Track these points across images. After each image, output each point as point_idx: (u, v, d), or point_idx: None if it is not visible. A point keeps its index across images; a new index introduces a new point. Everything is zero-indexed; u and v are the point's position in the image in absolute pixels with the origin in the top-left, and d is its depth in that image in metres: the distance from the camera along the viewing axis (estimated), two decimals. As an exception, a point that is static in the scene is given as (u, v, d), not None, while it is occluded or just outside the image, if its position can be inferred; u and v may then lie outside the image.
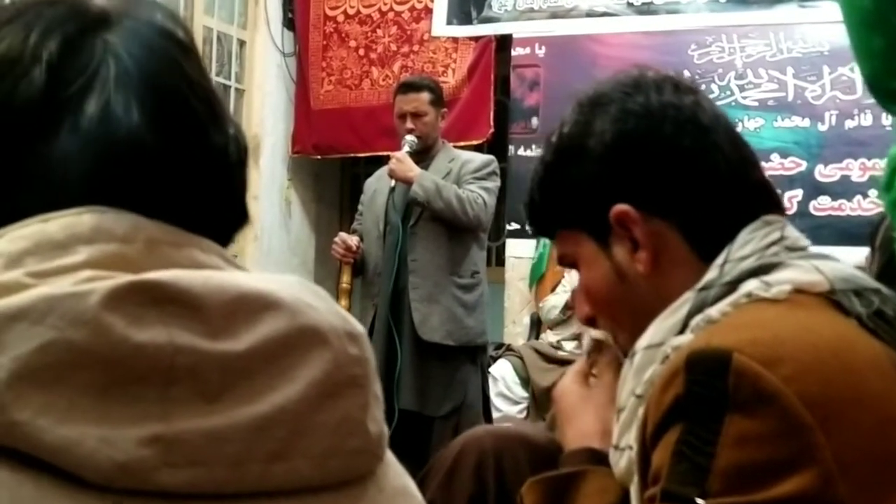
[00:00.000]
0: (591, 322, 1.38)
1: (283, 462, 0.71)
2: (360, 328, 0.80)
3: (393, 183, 4.42)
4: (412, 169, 4.35)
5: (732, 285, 1.17)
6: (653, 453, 1.08)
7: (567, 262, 1.38)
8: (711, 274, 1.20)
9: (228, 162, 0.85)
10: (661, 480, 1.05)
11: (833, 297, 1.15)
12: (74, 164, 0.77)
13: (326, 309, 0.78)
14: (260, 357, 0.72)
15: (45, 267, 0.71)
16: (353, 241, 4.50)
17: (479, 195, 4.38)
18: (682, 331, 1.18)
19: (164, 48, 0.83)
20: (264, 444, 0.70)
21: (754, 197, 1.27)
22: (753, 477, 1.00)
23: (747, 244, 1.21)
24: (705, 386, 1.03)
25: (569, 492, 1.32)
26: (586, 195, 1.29)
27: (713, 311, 1.15)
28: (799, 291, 1.14)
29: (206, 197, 0.83)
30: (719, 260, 1.21)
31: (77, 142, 0.77)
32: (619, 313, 1.32)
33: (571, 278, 5.96)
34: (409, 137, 4.46)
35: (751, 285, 1.15)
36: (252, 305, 0.73)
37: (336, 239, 4.57)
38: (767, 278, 1.16)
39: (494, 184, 4.50)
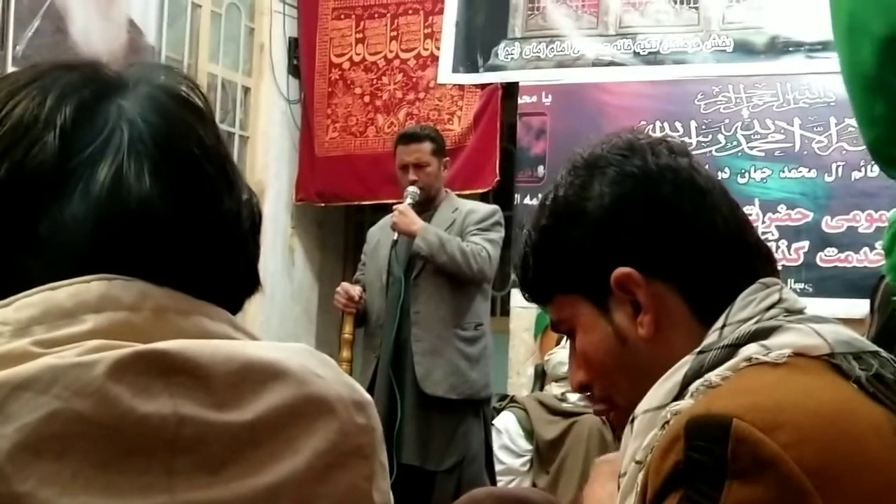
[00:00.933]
0: (584, 389, 1.37)
1: None
2: (367, 397, 0.81)
3: (396, 236, 4.41)
4: (415, 222, 4.35)
5: (732, 349, 1.16)
6: None
7: (563, 328, 1.37)
8: (710, 338, 1.20)
9: (241, 228, 0.85)
10: None
11: (832, 361, 1.14)
12: (84, 229, 0.77)
13: (333, 378, 0.78)
14: (266, 427, 0.72)
15: (52, 336, 0.71)
16: (355, 290, 4.50)
17: (484, 247, 4.37)
18: (680, 394, 1.17)
19: (178, 114, 0.84)
20: None
21: (752, 258, 1.27)
22: None
23: (746, 307, 1.21)
24: (705, 452, 1.02)
25: None
26: (586, 259, 1.28)
27: (712, 376, 1.14)
28: (798, 355, 1.13)
29: (217, 264, 0.83)
30: (718, 324, 1.21)
31: (88, 208, 0.77)
32: (617, 378, 1.31)
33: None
34: (412, 189, 4.45)
35: (750, 349, 1.14)
36: (259, 375, 0.73)
37: (338, 288, 4.58)
38: (767, 342, 1.15)
39: (499, 234, 4.49)
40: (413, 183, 4.48)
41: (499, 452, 5.45)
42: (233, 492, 0.69)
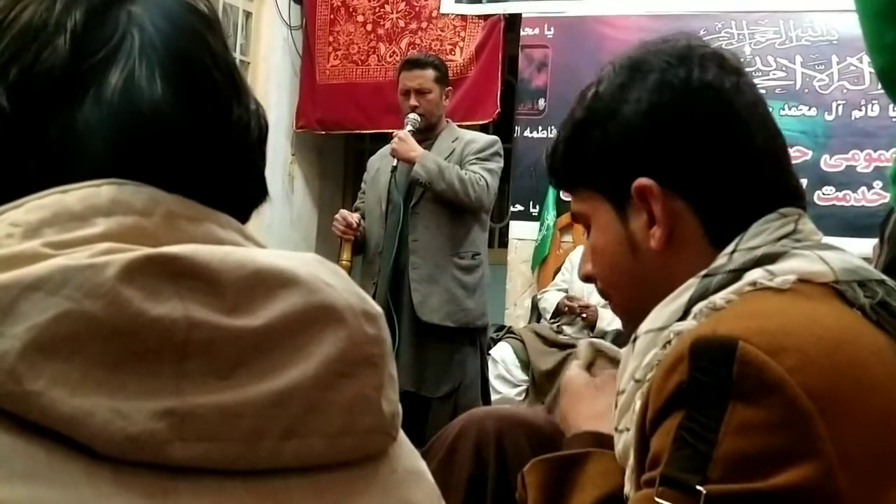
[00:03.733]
0: (589, 280, 1.38)
1: (296, 439, 0.71)
2: (377, 308, 0.80)
3: (395, 162, 4.41)
4: (414, 149, 4.34)
5: (737, 274, 1.17)
6: (652, 438, 1.08)
7: (581, 220, 1.37)
8: (719, 262, 1.20)
9: (250, 137, 0.85)
10: (660, 465, 1.05)
11: (837, 288, 1.14)
12: (96, 134, 0.76)
13: (344, 287, 0.78)
14: (276, 334, 0.72)
15: (63, 238, 0.70)
16: (353, 217, 4.49)
17: (482, 176, 4.36)
18: (683, 316, 1.18)
19: (187, 20, 0.83)
20: (278, 421, 0.70)
21: (777, 189, 1.26)
22: (755, 465, 0.99)
23: (758, 235, 1.21)
24: (709, 373, 1.02)
25: (571, 473, 1.32)
26: (611, 161, 1.28)
27: (717, 299, 1.14)
28: (803, 281, 1.14)
29: (227, 172, 0.83)
30: (729, 248, 1.21)
31: (100, 112, 0.77)
32: (621, 280, 1.32)
33: (572, 262, 5.94)
34: (412, 116, 4.44)
35: (755, 274, 1.15)
36: (269, 282, 0.73)
37: (337, 216, 4.57)
38: (772, 268, 1.15)
39: (497, 164, 4.48)
40: (414, 109, 4.47)
41: (495, 382, 5.49)
42: (242, 396, 0.69)
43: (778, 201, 1.24)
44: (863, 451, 1.01)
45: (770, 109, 1.29)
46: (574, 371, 1.47)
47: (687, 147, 1.24)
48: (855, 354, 1.06)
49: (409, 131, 4.42)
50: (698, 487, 1.00)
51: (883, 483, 1.02)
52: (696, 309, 1.16)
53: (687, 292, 1.19)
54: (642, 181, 1.24)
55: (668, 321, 1.19)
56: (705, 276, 1.19)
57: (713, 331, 1.05)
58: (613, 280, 1.34)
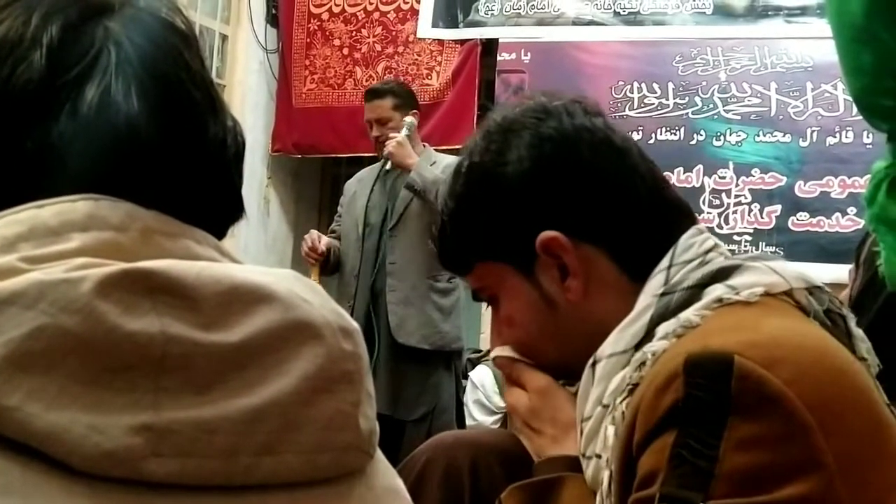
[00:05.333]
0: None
1: (272, 455, 0.71)
2: (355, 324, 0.80)
3: (388, 165, 4.40)
4: (411, 156, 4.33)
5: (696, 290, 1.17)
6: (641, 458, 1.07)
7: (484, 295, 1.36)
8: (659, 279, 1.20)
9: (226, 154, 0.85)
10: (654, 484, 1.03)
11: (793, 297, 1.16)
12: (73, 149, 0.76)
13: (321, 304, 0.78)
14: (253, 349, 0.72)
15: (39, 252, 0.70)
16: (321, 243, 4.49)
17: None
18: (648, 336, 1.17)
19: (164, 37, 0.83)
20: (254, 437, 0.70)
21: (674, 213, 1.28)
22: (759, 480, 0.99)
23: (689, 249, 1.22)
24: (707, 389, 1.02)
25: (549, 498, 1.30)
26: (508, 226, 1.27)
27: (690, 315, 1.14)
28: (766, 294, 1.15)
29: (203, 188, 0.83)
30: (663, 264, 1.21)
31: (76, 128, 0.76)
32: (546, 341, 1.31)
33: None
34: (409, 119, 4.45)
35: (717, 290, 1.15)
36: (246, 298, 0.73)
37: (306, 236, 4.56)
38: (731, 282, 1.16)
39: None
40: (377, 139, 4.48)
41: (473, 407, 5.47)
42: (219, 411, 0.69)
43: (679, 223, 1.26)
44: (856, 460, 1.01)
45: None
46: (514, 401, 1.40)
47: (580, 192, 1.24)
48: (839, 364, 1.07)
49: (406, 135, 4.41)
50: None
51: (882, 490, 1.02)
52: (664, 328, 1.15)
53: (646, 313, 1.18)
54: (547, 234, 1.23)
55: (631, 343, 1.18)
56: (662, 294, 1.19)
57: (705, 346, 1.05)
58: (537, 344, 1.32)
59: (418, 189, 4.29)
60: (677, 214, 1.28)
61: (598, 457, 1.19)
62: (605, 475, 1.15)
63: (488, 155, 1.28)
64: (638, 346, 1.18)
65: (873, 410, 1.06)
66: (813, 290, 1.18)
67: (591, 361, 1.23)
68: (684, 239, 1.23)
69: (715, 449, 1.00)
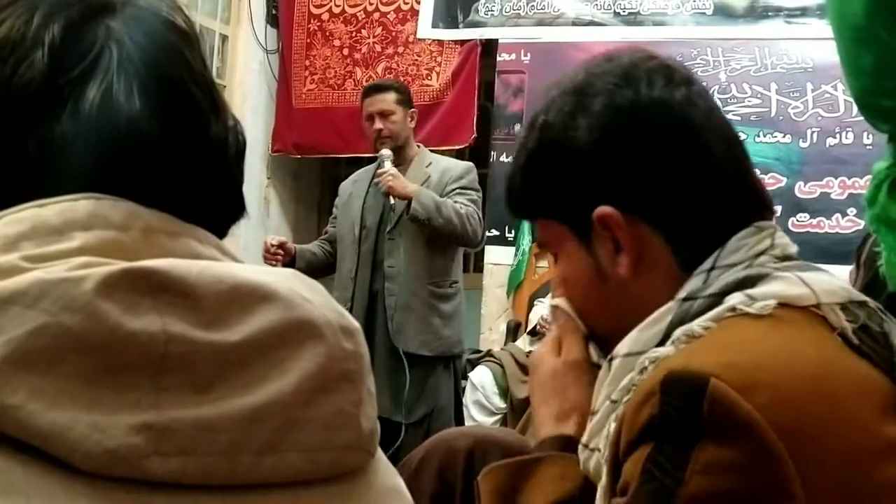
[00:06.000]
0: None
1: (274, 454, 0.71)
2: (355, 323, 0.80)
3: (393, 200, 4.35)
4: (408, 185, 4.31)
5: (717, 298, 1.14)
6: (624, 464, 1.07)
7: (546, 248, 1.35)
8: (696, 282, 1.18)
9: (228, 153, 0.85)
10: (627, 495, 1.04)
11: (818, 312, 1.12)
12: (75, 149, 0.76)
13: (322, 303, 0.78)
14: (254, 348, 0.72)
15: (40, 251, 0.70)
16: (272, 241, 4.49)
17: (474, 210, 4.38)
18: (663, 341, 1.15)
19: (166, 36, 0.83)
20: (256, 436, 0.70)
21: (744, 202, 1.23)
22: None
23: (737, 251, 1.18)
24: (680, 410, 1.01)
25: (524, 478, 1.30)
26: (569, 193, 1.25)
27: (695, 326, 1.12)
28: (784, 305, 1.11)
29: (205, 187, 0.83)
30: (706, 265, 1.18)
31: (78, 127, 0.77)
32: (594, 309, 1.30)
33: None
34: (386, 152, 4.41)
35: (735, 299, 1.12)
36: (247, 297, 0.73)
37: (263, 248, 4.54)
38: (752, 292, 1.13)
39: (478, 194, 4.50)
40: (379, 132, 4.46)
41: (472, 407, 5.47)
42: (220, 411, 0.69)
43: (748, 213, 1.22)
44: (835, 490, 1.00)
45: (745, 136, 1.27)
46: (540, 353, 1.41)
47: (644, 169, 1.20)
48: (831, 387, 1.05)
49: (390, 167, 4.37)
50: None
51: None
52: (675, 335, 1.14)
53: (667, 317, 1.17)
54: (603, 210, 1.21)
55: (646, 346, 1.17)
56: (685, 299, 1.16)
57: (685, 365, 1.04)
58: (586, 309, 1.32)
59: (422, 219, 4.26)
60: (748, 203, 1.23)
61: (601, 451, 1.18)
62: (604, 471, 1.14)
63: (560, 116, 1.25)
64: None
65: (869, 437, 1.04)
66: (849, 304, 1.14)
67: (609, 356, 1.22)
68: (735, 239, 1.18)
69: (682, 471, 0.99)
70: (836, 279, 1.18)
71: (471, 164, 4.70)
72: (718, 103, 1.27)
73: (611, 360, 1.21)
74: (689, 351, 1.09)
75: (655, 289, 1.20)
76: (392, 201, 4.37)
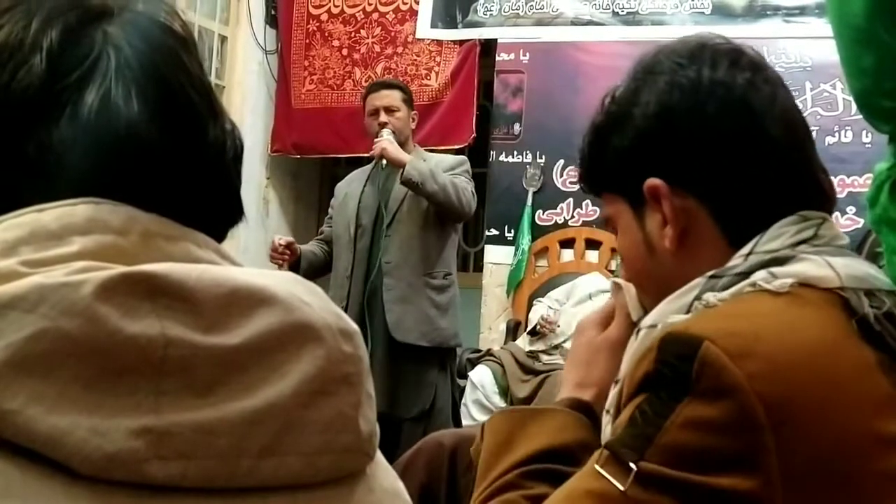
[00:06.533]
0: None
1: (273, 457, 0.71)
2: (354, 326, 0.80)
3: (384, 163, 4.40)
4: (403, 152, 4.37)
5: (743, 276, 1.16)
6: (622, 412, 1.11)
7: (609, 225, 1.38)
8: (732, 263, 1.19)
9: (226, 156, 0.85)
10: (612, 436, 1.09)
11: (842, 294, 1.13)
12: (73, 153, 0.77)
13: (321, 306, 0.78)
14: (253, 352, 0.72)
15: (39, 256, 0.70)
16: (280, 241, 4.51)
17: (468, 184, 4.44)
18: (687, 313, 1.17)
19: (163, 41, 0.84)
20: (255, 439, 0.71)
21: (799, 188, 1.23)
22: (692, 461, 1.01)
23: (777, 238, 1.19)
24: (672, 368, 1.05)
25: (529, 423, 1.33)
26: (625, 164, 1.29)
27: (710, 296, 1.15)
28: (805, 286, 1.13)
29: (203, 191, 0.83)
30: (745, 250, 1.19)
31: (76, 131, 0.77)
32: (645, 281, 1.34)
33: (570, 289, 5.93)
34: (386, 130, 4.46)
35: (757, 276, 1.14)
36: (246, 300, 0.73)
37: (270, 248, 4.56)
38: (775, 270, 1.14)
39: (471, 184, 4.53)
40: (384, 125, 4.48)
41: (472, 406, 5.47)
42: (219, 414, 0.69)
43: (800, 201, 1.22)
44: (815, 471, 1.01)
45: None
46: (586, 322, 1.47)
47: (696, 146, 1.23)
48: (829, 369, 1.06)
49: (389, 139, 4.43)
50: (631, 464, 1.03)
51: None
52: (694, 305, 1.16)
53: (692, 291, 1.18)
54: (652, 181, 1.24)
55: (669, 317, 1.19)
56: (712, 276, 1.18)
57: (686, 328, 1.07)
58: (639, 282, 1.36)
59: (416, 181, 4.29)
60: (803, 190, 1.23)
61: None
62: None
63: (626, 93, 1.30)
64: None
65: (859, 427, 1.04)
66: (875, 291, 1.14)
67: (636, 328, 1.25)
68: (777, 226, 1.20)
69: (664, 419, 1.03)
70: (867, 265, 1.19)
71: (464, 157, 4.79)
72: (790, 93, 1.28)
73: (638, 331, 1.24)
74: (696, 316, 1.12)
75: (702, 263, 1.21)
76: (383, 164, 4.41)
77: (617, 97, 1.31)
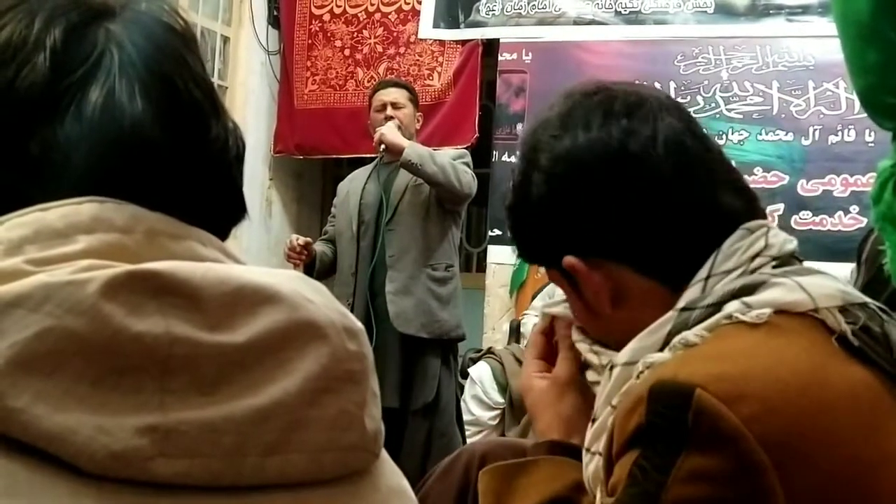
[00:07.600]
0: None
1: (278, 455, 0.71)
2: (359, 324, 0.80)
3: (383, 148, 4.42)
4: (403, 139, 4.39)
5: (716, 307, 1.15)
6: (614, 468, 1.09)
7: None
8: (694, 291, 1.18)
9: (228, 155, 0.86)
10: (613, 497, 1.06)
11: (817, 316, 1.12)
12: (77, 151, 0.77)
13: (325, 304, 0.78)
14: (258, 350, 0.72)
15: (45, 255, 0.70)
16: (299, 241, 4.51)
17: (467, 168, 4.46)
18: (661, 350, 1.17)
19: (166, 39, 0.84)
20: (260, 437, 0.70)
21: (709, 211, 1.22)
22: None
23: (731, 257, 1.18)
24: (665, 419, 1.03)
25: (518, 479, 1.33)
26: (538, 246, 1.31)
27: (690, 335, 1.14)
28: (781, 312, 1.12)
29: (206, 189, 0.83)
30: (702, 273, 1.18)
31: (80, 129, 0.77)
32: (604, 338, 1.33)
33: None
34: (391, 122, 4.49)
35: (732, 307, 1.13)
36: (251, 298, 0.73)
37: (287, 241, 4.59)
38: (749, 300, 1.13)
39: (470, 170, 4.55)
40: (389, 119, 4.51)
41: (471, 402, 5.48)
42: (224, 412, 0.69)
43: (721, 219, 1.21)
44: (827, 500, 1.01)
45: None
46: (525, 380, 1.46)
47: (592, 215, 1.22)
48: (822, 398, 1.05)
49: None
50: None
51: None
52: (672, 342, 1.15)
53: (666, 326, 1.18)
54: (566, 261, 1.24)
55: (646, 354, 1.18)
56: (684, 309, 1.17)
57: (674, 375, 1.05)
58: (598, 337, 1.35)
59: (414, 162, 4.31)
60: (716, 211, 1.22)
61: (601, 455, 1.19)
62: (602, 474, 1.16)
63: (520, 175, 1.30)
64: None
65: (864, 447, 1.04)
66: (849, 307, 1.14)
67: (609, 365, 1.24)
68: (728, 244, 1.19)
69: (665, 476, 1.01)
70: (836, 281, 1.18)
71: (464, 150, 4.82)
72: (677, 111, 1.26)
73: (611, 368, 1.23)
74: (680, 359, 1.11)
75: (646, 313, 1.21)
76: (382, 148, 4.42)
77: (515, 182, 1.31)
